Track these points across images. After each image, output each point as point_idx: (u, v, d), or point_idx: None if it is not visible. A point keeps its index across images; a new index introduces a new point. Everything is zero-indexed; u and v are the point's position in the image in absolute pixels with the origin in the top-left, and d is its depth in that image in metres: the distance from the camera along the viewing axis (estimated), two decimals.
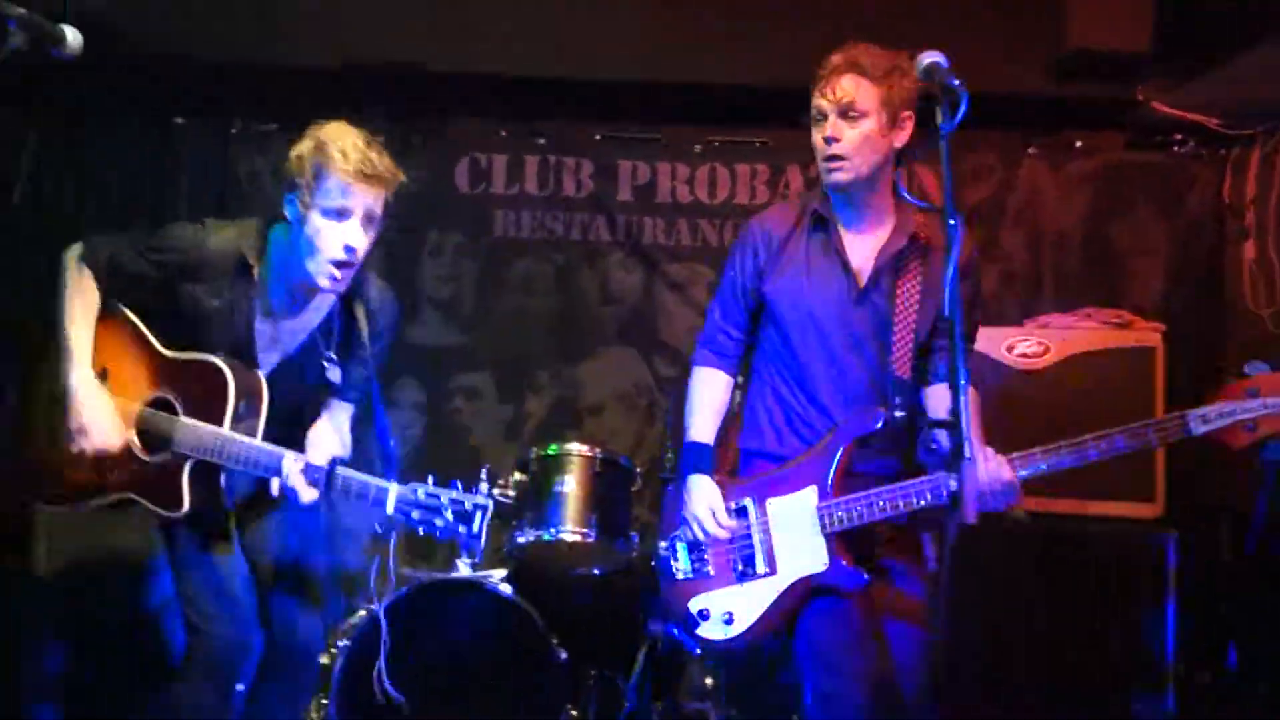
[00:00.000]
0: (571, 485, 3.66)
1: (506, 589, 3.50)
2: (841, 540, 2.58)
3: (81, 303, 2.69)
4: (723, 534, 2.68)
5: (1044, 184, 4.50)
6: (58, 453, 2.66)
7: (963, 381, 1.99)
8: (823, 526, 2.58)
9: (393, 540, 2.57)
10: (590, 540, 3.62)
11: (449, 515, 2.41)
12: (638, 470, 3.87)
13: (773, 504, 2.68)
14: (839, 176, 2.59)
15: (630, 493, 3.82)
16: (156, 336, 2.73)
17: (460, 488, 2.51)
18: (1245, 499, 4.13)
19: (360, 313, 2.74)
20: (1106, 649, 3.73)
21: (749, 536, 2.68)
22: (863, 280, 2.66)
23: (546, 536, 3.61)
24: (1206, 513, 4.12)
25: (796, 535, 2.62)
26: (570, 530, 3.61)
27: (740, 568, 2.68)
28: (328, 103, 4.45)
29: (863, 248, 2.67)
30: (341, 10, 4.13)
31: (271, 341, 2.73)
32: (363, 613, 3.64)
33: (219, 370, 2.61)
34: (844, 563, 2.58)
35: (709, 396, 2.83)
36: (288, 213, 2.58)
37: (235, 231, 2.69)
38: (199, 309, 2.66)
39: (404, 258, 4.55)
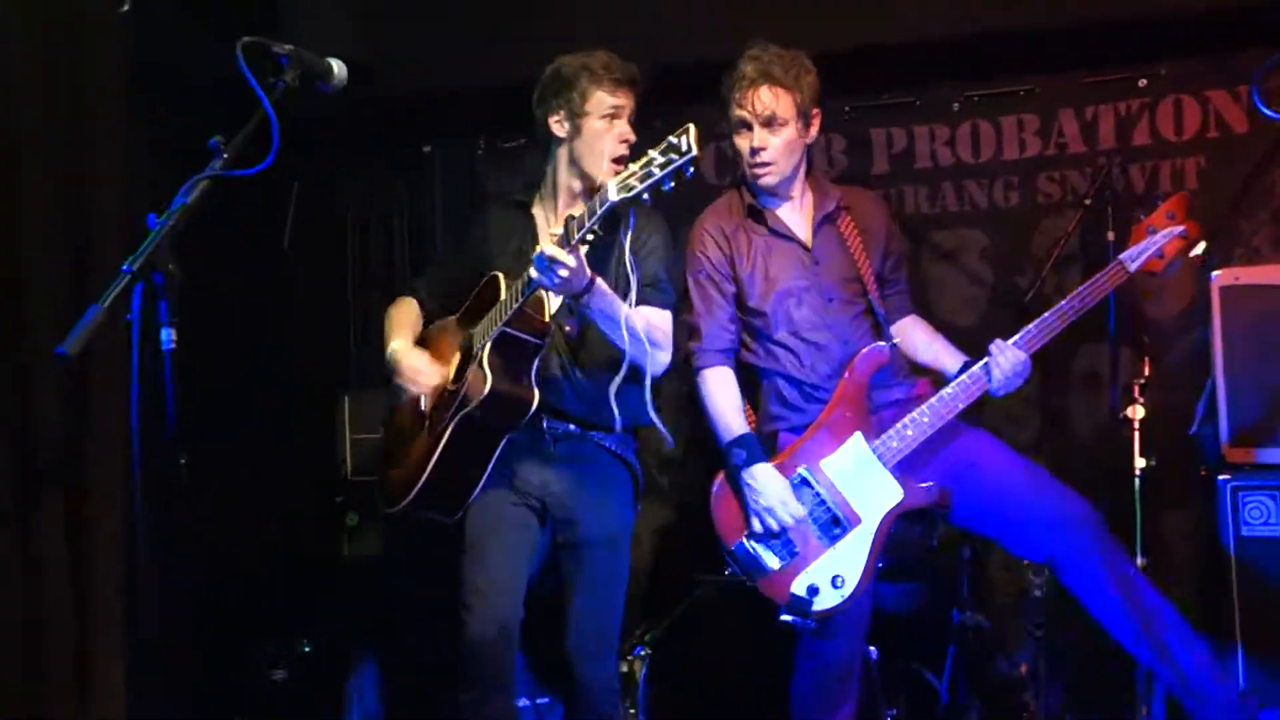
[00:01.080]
0: None
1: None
2: (901, 468, 2.90)
3: (397, 313, 3.08)
4: (801, 512, 2.86)
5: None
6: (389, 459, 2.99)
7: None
8: (884, 461, 2.88)
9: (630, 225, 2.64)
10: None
11: (660, 158, 2.40)
12: None
13: (827, 463, 2.91)
14: (769, 180, 2.99)
15: None
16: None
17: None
18: None
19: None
20: None
21: (822, 502, 2.90)
22: (810, 241, 3.04)
23: None
24: None
25: (863, 480, 2.89)
26: None
27: (827, 531, 2.89)
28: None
29: (798, 218, 3.08)
30: (565, 19, 4.12)
31: None
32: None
33: (493, 278, 2.81)
34: (915, 483, 2.90)
35: (731, 394, 3.02)
36: (559, 130, 2.91)
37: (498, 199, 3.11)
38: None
39: None
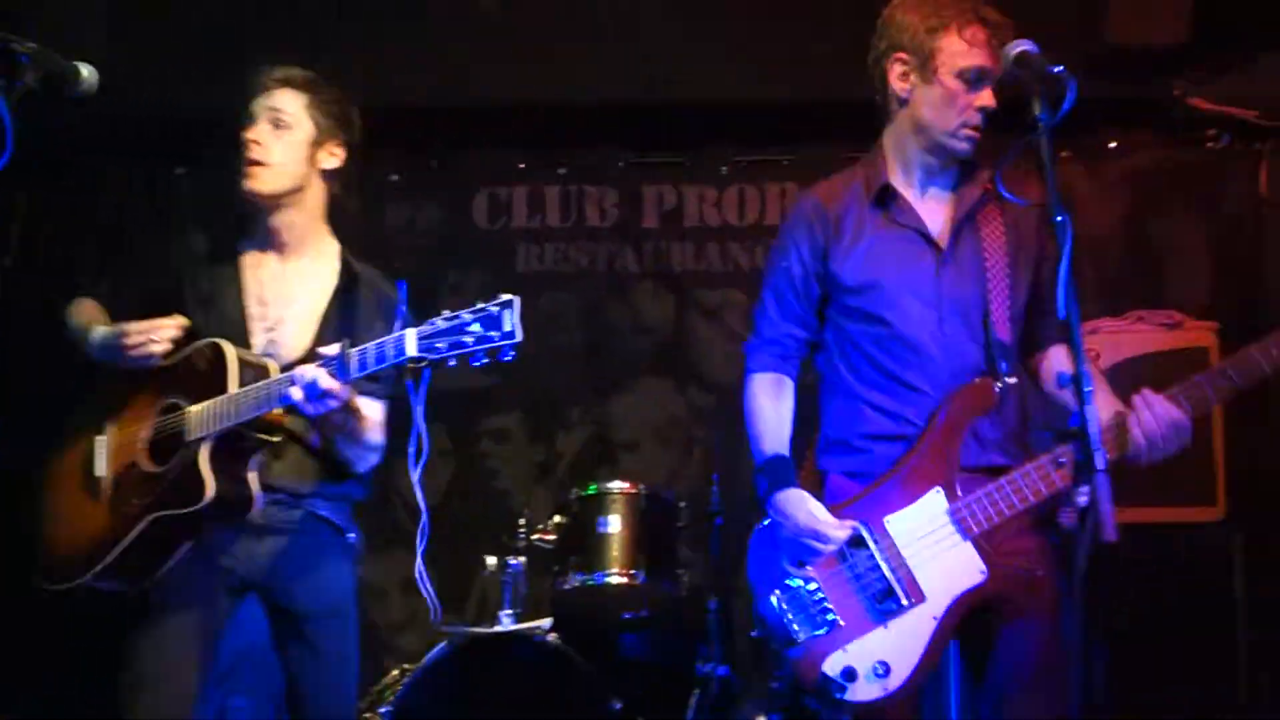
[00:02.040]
0: (616, 525, 3.52)
1: (553, 639, 3.33)
2: (986, 541, 2.21)
3: (82, 313, 2.59)
4: (842, 535, 2.25)
5: (1080, 186, 4.37)
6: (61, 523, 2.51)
7: (1089, 386, 1.80)
8: (963, 531, 2.21)
9: (422, 396, 2.30)
10: (639, 582, 3.47)
11: (476, 328, 2.14)
12: (682, 505, 3.72)
13: (892, 522, 2.26)
14: (969, 147, 2.34)
15: (677, 529, 3.68)
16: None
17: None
18: None
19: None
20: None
21: (876, 568, 2.24)
22: (944, 243, 2.35)
23: (592, 581, 3.46)
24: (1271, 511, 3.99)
25: (935, 549, 2.22)
26: (617, 573, 3.46)
27: (878, 605, 2.24)
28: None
29: (936, 210, 2.37)
30: (343, 52, 4.02)
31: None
32: (396, 672, 3.47)
33: (215, 349, 2.42)
34: (1001, 563, 2.21)
35: (779, 406, 2.44)
36: None
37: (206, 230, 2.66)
38: (187, 306, 2.51)
39: (423, 297, 4.39)
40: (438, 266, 4.43)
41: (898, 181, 2.39)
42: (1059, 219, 1.84)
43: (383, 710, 3.25)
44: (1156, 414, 2.10)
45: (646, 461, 4.36)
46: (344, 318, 2.56)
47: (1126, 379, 3.67)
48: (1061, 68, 1.95)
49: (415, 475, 2.36)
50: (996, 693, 2.24)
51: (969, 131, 2.30)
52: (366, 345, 2.24)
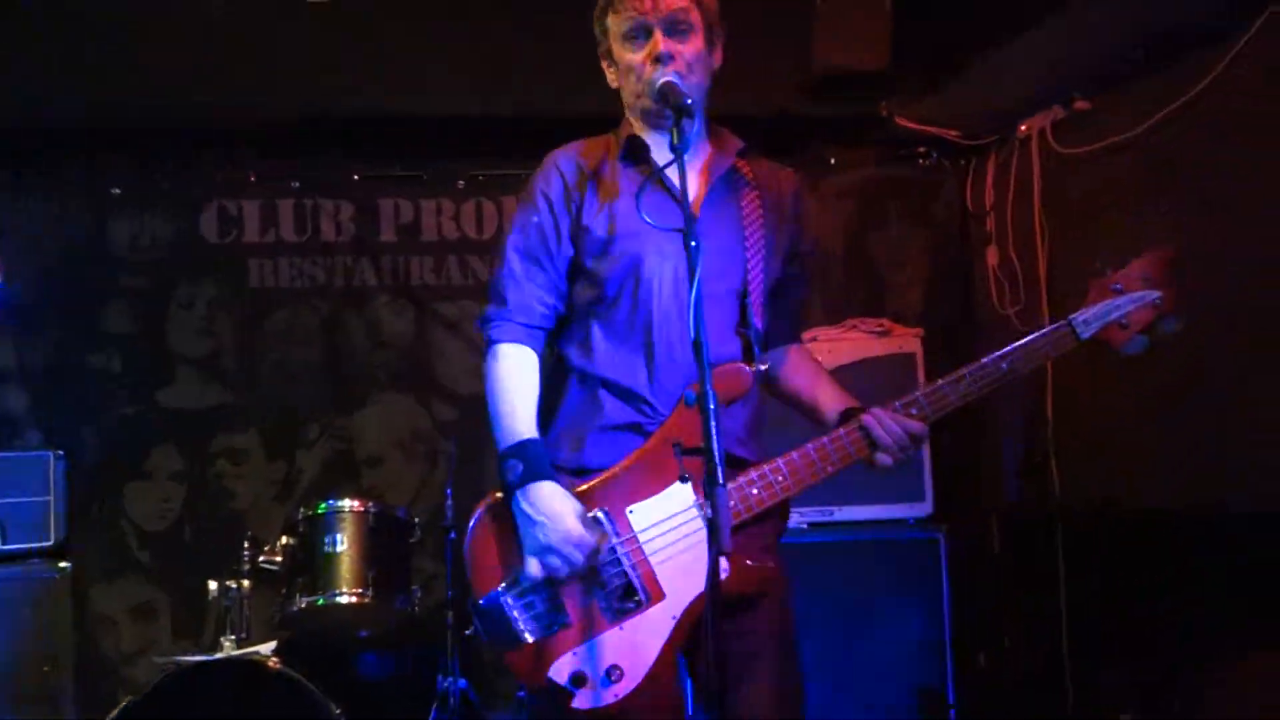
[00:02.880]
0: (344, 544, 3.49)
1: (275, 663, 3.26)
2: (735, 537, 1.94)
3: None
4: (585, 558, 2.04)
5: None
6: None
7: (711, 405, 1.75)
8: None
9: None
10: (369, 600, 3.45)
11: None
12: (416, 521, 3.72)
13: (635, 512, 2.07)
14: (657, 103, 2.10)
15: (409, 545, 3.68)
16: None
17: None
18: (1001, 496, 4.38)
19: None
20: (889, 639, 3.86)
21: (616, 562, 2.05)
22: (698, 208, 2.13)
23: (320, 601, 3.42)
24: (974, 511, 4.32)
25: (679, 544, 2.06)
26: (346, 592, 3.43)
27: (614, 603, 2.05)
28: (62, 154, 4.18)
29: (688, 177, 1.98)
30: (62, 58, 3.83)
31: None
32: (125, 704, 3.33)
33: None
34: (749, 562, 2.05)
35: (526, 380, 2.16)
36: None
37: None
38: None
39: (152, 315, 4.26)
40: (167, 281, 4.28)
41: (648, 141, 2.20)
42: (694, 244, 1.84)
43: None
44: (887, 428, 2.07)
45: (391, 476, 4.35)
46: None
47: (843, 383, 3.93)
48: (690, 99, 1.98)
49: None
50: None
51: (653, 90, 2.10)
52: None
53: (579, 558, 2.02)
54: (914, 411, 2.11)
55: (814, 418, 2.26)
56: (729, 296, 2.15)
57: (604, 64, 2.24)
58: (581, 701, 2.02)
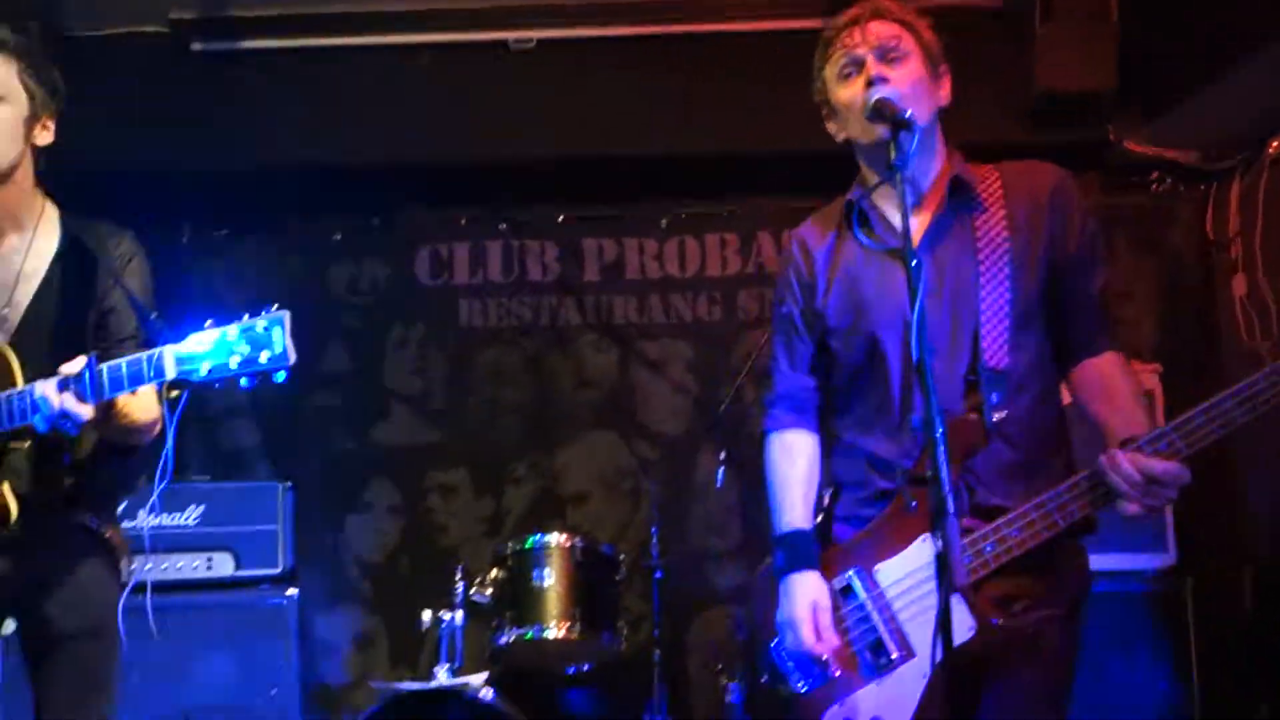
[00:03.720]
0: (552, 579, 3.51)
1: (488, 694, 3.28)
2: (976, 592, 1.98)
3: None
4: (822, 650, 2.11)
5: None
6: None
7: (939, 430, 1.69)
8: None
9: (176, 416, 2.16)
10: (575, 636, 3.45)
11: (243, 348, 1.95)
12: (622, 558, 3.71)
13: (882, 570, 2.11)
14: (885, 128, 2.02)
15: (616, 582, 3.67)
16: None
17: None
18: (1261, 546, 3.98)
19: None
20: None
21: (867, 618, 2.11)
22: (913, 259, 1.95)
23: (529, 635, 3.44)
24: (1224, 562, 3.95)
25: (923, 602, 2.05)
26: (554, 627, 3.44)
27: (871, 659, 2.10)
28: (282, 203, 4.45)
29: (912, 225, 1.98)
30: (280, 111, 4.08)
31: None
32: None
33: None
34: (994, 621, 1.98)
35: (798, 466, 2.26)
36: None
37: None
38: None
39: (368, 354, 4.43)
40: (382, 323, 4.44)
41: (879, 204, 2.20)
42: (914, 263, 1.78)
43: None
44: (1123, 472, 1.92)
45: (595, 514, 4.33)
46: (71, 282, 2.35)
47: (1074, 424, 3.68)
48: (910, 112, 1.91)
49: (154, 493, 2.21)
50: None
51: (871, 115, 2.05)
52: (119, 362, 2.06)
53: (804, 643, 2.12)
54: (1163, 447, 1.92)
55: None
56: (962, 336, 2.08)
57: (828, 123, 2.23)
58: None
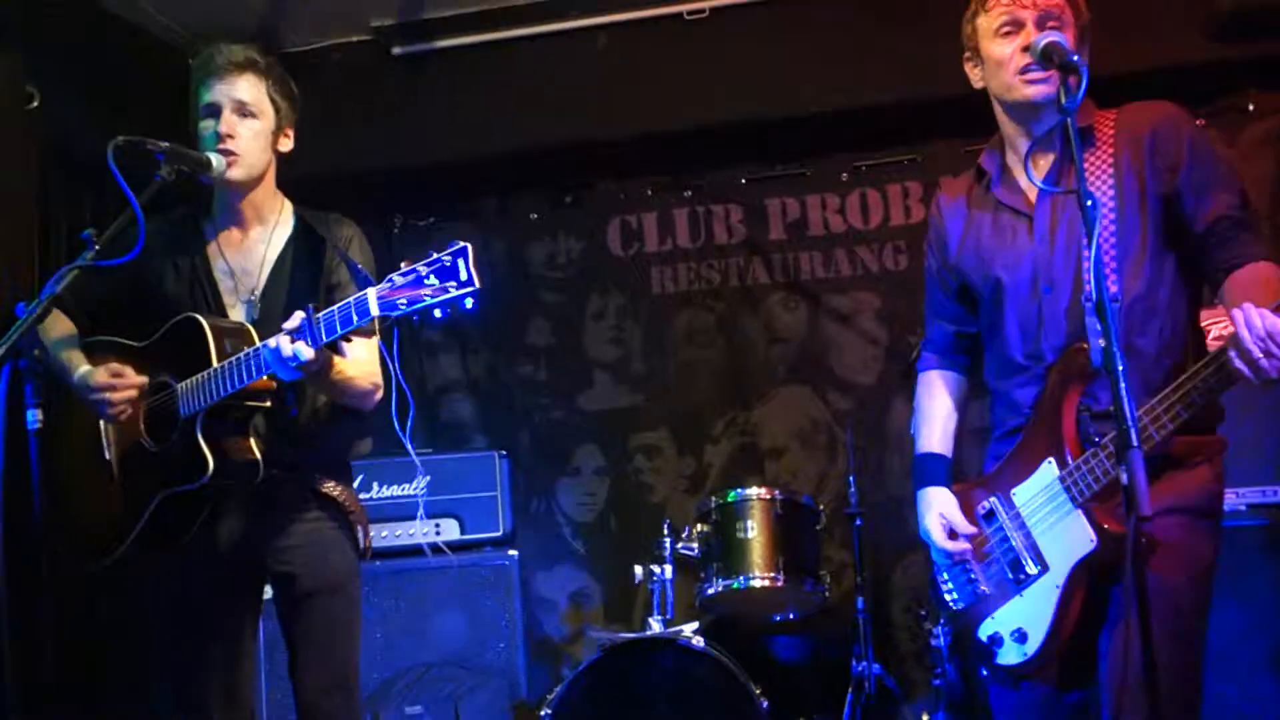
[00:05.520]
0: (755, 530, 3.63)
1: (699, 642, 3.46)
2: (1103, 505, 2.15)
3: (56, 332, 2.60)
4: (955, 547, 2.37)
5: None
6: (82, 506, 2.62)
7: (1120, 365, 1.79)
8: (1072, 499, 2.20)
9: (395, 351, 2.42)
10: (780, 585, 3.57)
11: (432, 280, 2.11)
12: (821, 508, 3.80)
13: (1018, 493, 2.32)
14: (1034, 91, 2.22)
15: (817, 532, 3.76)
16: (134, 339, 2.62)
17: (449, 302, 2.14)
18: None
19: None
20: None
21: (1006, 539, 2.33)
22: (1033, 208, 2.29)
23: (735, 585, 3.58)
24: None
25: (1052, 519, 2.25)
26: (758, 576, 3.57)
27: (1013, 574, 2.32)
28: (481, 189, 4.73)
29: (1035, 171, 2.28)
30: (473, 103, 4.31)
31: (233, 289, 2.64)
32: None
33: (192, 323, 2.48)
34: (1106, 527, 2.14)
35: (936, 402, 2.55)
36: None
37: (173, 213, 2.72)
38: (163, 289, 2.62)
39: (569, 326, 4.66)
40: (580, 295, 4.66)
41: (1008, 160, 2.37)
42: (1089, 203, 1.84)
43: (543, 713, 3.46)
44: (1250, 321, 1.94)
45: (793, 466, 4.45)
46: (301, 262, 2.63)
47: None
48: (1076, 56, 1.97)
49: (405, 436, 2.49)
50: (1106, 673, 2.16)
51: (1024, 78, 2.22)
52: (331, 309, 2.25)
53: (939, 545, 2.40)
54: None
55: None
56: (1073, 270, 2.23)
57: (969, 66, 2.38)
58: (1000, 659, 2.32)
